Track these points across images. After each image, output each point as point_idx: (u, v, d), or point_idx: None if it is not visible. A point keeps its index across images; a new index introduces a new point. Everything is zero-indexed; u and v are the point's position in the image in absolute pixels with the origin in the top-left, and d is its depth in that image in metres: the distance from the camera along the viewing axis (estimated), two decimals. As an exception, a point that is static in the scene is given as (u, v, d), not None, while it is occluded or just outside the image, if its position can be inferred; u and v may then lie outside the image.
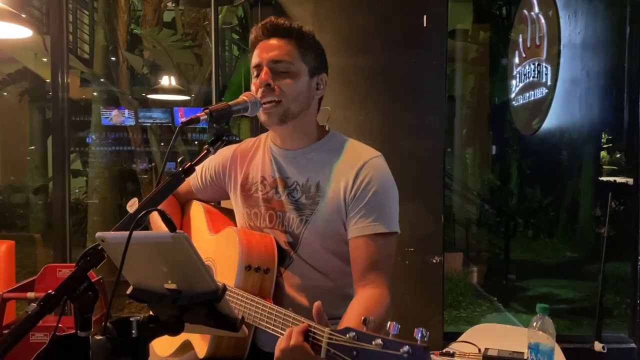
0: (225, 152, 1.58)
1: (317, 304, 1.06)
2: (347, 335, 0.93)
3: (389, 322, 0.90)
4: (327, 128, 1.49)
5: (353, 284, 1.36)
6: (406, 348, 0.84)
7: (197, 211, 1.64)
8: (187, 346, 1.49)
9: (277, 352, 1.10)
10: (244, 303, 1.31)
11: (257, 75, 1.38)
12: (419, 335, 0.86)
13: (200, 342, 1.41)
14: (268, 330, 1.24)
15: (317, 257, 1.41)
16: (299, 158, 1.44)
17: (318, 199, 1.39)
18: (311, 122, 1.45)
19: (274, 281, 1.38)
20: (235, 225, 1.58)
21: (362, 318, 0.95)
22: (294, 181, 1.43)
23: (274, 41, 1.38)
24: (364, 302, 1.28)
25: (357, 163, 1.38)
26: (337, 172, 1.40)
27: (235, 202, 1.56)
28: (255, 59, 1.40)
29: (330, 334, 0.98)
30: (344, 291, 1.41)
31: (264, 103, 1.35)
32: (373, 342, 0.88)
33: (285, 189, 1.44)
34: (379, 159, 1.41)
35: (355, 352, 0.91)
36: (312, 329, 1.04)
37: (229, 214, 1.65)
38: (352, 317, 1.24)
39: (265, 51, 1.38)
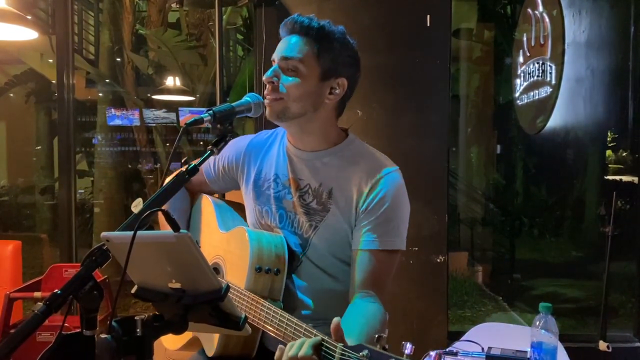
0: (240, 143, 1.55)
1: (335, 320, 1.04)
2: (361, 353, 0.92)
3: (403, 342, 0.90)
4: (347, 132, 1.46)
5: (350, 289, 1.35)
6: None
7: (208, 206, 1.63)
8: (195, 341, 1.49)
9: (284, 358, 1.08)
10: (256, 307, 1.30)
11: None
12: (430, 358, 0.85)
13: (208, 341, 1.41)
14: (278, 338, 1.23)
15: (325, 261, 1.41)
16: (315, 161, 1.42)
17: (329, 206, 1.38)
18: (324, 125, 1.40)
19: (284, 282, 1.37)
20: (245, 221, 1.57)
21: (376, 336, 0.93)
22: (307, 184, 1.41)
23: (292, 38, 1.36)
24: (363, 316, 1.27)
25: (374, 175, 1.36)
26: (351, 182, 1.38)
27: (246, 197, 1.54)
28: (273, 54, 1.39)
29: (343, 351, 0.97)
30: None
31: (268, 98, 1.35)
32: None
33: (297, 191, 1.42)
34: (396, 173, 1.39)
35: None
36: (325, 344, 1.03)
37: (239, 209, 1.63)
38: (356, 330, 1.21)
39: (281, 47, 1.37)
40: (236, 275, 1.39)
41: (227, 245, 1.48)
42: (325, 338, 1.04)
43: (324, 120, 1.40)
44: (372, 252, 1.33)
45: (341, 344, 0.99)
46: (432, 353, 0.86)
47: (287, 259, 1.39)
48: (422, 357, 0.86)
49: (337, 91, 1.38)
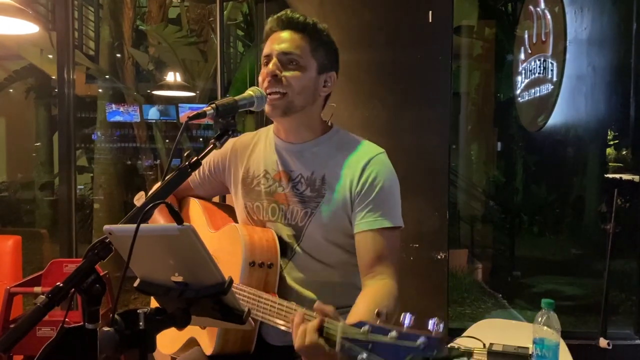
0: (224, 147, 1.57)
1: (316, 305, 1.06)
2: (362, 329, 0.92)
3: (402, 314, 0.89)
4: (329, 123, 1.50)
5: (360, 276, 1.37)
6: (422, 339, 0.84)
7: (195, 208, 1.64)
8: (191, 344, 1.49)
9: (296, 348, 1.08)
10: (250, 299, 1.31)
11: (266, 65, 1.39)
12: (433, 326, 0.85)
13: (206, 339, 1.41)
14: (278, 326, 1.24)
15: (320, 250, 1.42)
16: (304, 152, 1.45)
17: (323, 192, 1.41)
18: (315, 117, 1.46)
19: (277, 276, 1.39)
20: (234, 221, 1.58)
21: (376, 311, 0.94)
22: (299, 174, 1.44)
23: (287, 34, 1.39)
24: (372, 294, 1.29)
25: (363, 159, 1.40)
26: (342, 166, 1.41)
27: (235, 196, 1.56)
28: (266, 49, 1.41)
29: (344, 328, 0.97)
30: (349, 281, 1.42)
31: (269, 94, 1.35)
32: (388, 335, 0.88)
33: (289, 182, 1.44)
34: (384, 156, 1.44)
35: (370, 345, 0.91)
36: (326, 324, 1.03)
37: (227, 209, 1.65)
38: (361, 309, 1.24)
39: (277, 42, 1.39)
40: (230, 272, 1.38)
41: (219, 244, 1.48)
42: (325, 319, 1.04)
43: (315, 112, 1.45)
44: (374, 232, 1.35)
45: (342, 323, 0.99)
46: (432, 321, 0.86)
47: (280, 253, 1.40)
48: (424, 325, 0.86)
49: (329, 84, 1.45)
